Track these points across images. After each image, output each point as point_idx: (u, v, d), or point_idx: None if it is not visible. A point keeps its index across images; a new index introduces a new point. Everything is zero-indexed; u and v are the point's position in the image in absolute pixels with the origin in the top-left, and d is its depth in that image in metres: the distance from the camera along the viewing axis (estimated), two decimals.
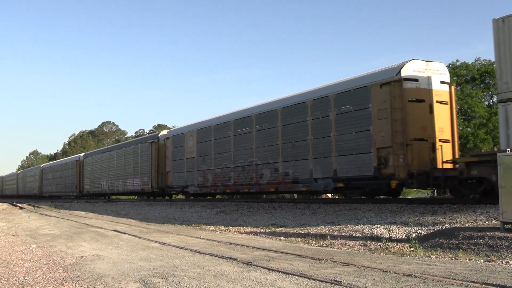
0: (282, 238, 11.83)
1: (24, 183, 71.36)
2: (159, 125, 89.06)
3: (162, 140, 29.98)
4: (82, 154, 46.73)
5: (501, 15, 12.03)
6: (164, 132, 31.01)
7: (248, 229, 14.15)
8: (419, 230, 10.86)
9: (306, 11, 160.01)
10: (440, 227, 10.80)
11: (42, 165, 65.35)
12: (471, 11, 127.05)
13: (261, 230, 13.66)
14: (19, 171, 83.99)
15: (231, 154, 22.08)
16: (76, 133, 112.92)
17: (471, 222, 10.77)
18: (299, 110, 18.54)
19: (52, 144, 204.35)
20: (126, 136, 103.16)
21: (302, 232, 12.59)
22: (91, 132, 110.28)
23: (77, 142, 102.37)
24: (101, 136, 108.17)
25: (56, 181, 54.33)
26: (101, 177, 39.45)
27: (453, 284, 5.83)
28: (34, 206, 36.45)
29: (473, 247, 8.65)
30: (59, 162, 56.90)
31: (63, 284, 6.76)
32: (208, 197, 30.79)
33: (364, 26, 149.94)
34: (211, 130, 23.99)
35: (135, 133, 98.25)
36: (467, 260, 7.80)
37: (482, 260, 7.71)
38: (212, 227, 15.22)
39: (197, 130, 25.42)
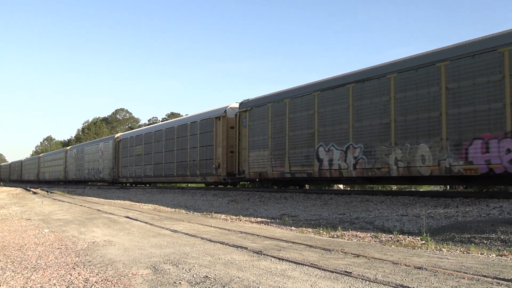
0: (293, 228, 11.83)
1: (80, 163, 50.73)
2: (172, 113, 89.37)
3: None
4: (236, 105, 25.06)
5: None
6: None
7: (259, 219, 14.17)
8: (431, 223, 10.80)
9: (318, 3, 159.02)
10: (452, 220, 10.73)
11: (117, 135, 43.06)
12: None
13: (272, 220, 13.68)
14: (68, 147, 60.92)
15: None
16: (90, 120, 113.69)
17: (484, 216, 10.68)
18: None
19: (66, 131, 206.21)
20: (140, 123, 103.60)
21: (313, 222, 12.58)
22: (104, 119, 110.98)
23: (91, 128, 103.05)
24: (114, 123, 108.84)
25: (154, 158, 33.65)
26: (325, 139, 18.22)
27: (464, 278, 5.79)
28: (47, 192, 36.78)
29: (485, 241, 8.58)
30: (165, 125, 34.69)
31: (74, 268, 6.81)
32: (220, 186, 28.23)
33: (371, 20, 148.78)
34: None
35: (148, 121, 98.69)
36: (479, 254, 7.74)
37: (494, 255, 7.65)
38: (223, 216, 15.26)
39: None
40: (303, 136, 19.56)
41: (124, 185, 40.38)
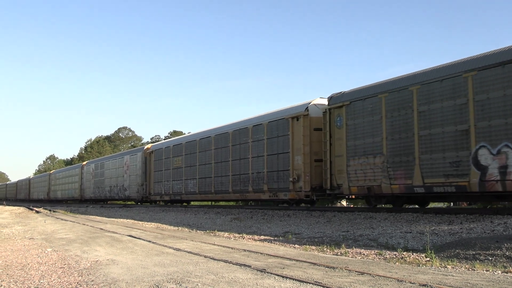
0: (296, 245, 11.78)
1: (99, 180, 44.25)
2: (174, 131, 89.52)
3: None
4: (321, 101, 20.17)
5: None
6: None
7: (263, 236, 14.11)
8: (435, 240, 10.75)
9: (321, 21, 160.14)
10: (456, 237, 10.69)
11: (147, 146, 37.62)
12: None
13: (276, 238, 13.62)
14: (84, 162, 54.26)
15: None
16: (93, 139, 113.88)
17: (488, 233, 10.63)
18: None
19: (69, 149, 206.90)
20: (142, 142, 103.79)
21: (317, 240, 12.53)
22: (107, 138, 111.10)
23: (94, 147, 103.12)
24: (117, 142, 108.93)
25: (199, 171, 27.32)
26: (491, 137, 13.15)
27: None
28: (50, 210, 36.73)
29: (490, 258, 8.53)
30: (214, 131, 26.93)
31: None
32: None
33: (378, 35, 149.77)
34: None
35: (151, 139, 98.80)
36: (484, 271, 7.69)
37: (499, 272, 7.60)
38: (226, 234, 15.20)
39: None
40: (446, 135, 14.16)
41: (157, 203, 35.49)
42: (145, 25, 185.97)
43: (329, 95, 18.89)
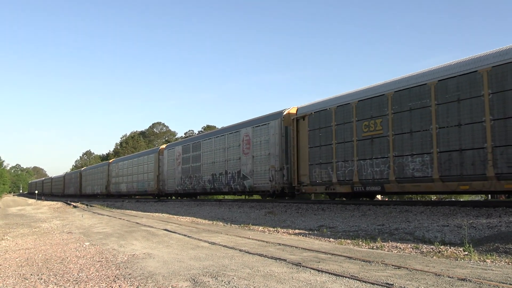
0: (331, 239, 11.71)
1: (192, 167, 32.40)
2: (208, 126, 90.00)
3: None
4: None
5: None
6: None
7: (297, 230, 14.08)
8: (473, 234, 10.54)
9: (354, 14, 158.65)
10: (495, 230, 10.45)
11: (290, 110, 23.06)
12: None
13: (310, 232, 13.57)
14: (162, 146, 42.48)
15: None
16: (128, 134, 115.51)
17: None
18: None
19: (104, 145, 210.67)
20: (176, 137, 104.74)
21: (352, 234, 12.43)
22: (142, 133, 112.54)
23: (129, 142, 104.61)
24: (151, 137, 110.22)
25: (441, 138, 14.42)
26: None
27: None
28: (87, 205, 37.43)
29: None
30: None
31: (115, 281, 6.89)
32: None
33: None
34: None
35: (185, 134, 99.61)
36: None
37: None
38: (260, 228, 15.22)
39: None
40: None
41: (322, 196, 24.30)
42: (179, 24, 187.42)
43: None
